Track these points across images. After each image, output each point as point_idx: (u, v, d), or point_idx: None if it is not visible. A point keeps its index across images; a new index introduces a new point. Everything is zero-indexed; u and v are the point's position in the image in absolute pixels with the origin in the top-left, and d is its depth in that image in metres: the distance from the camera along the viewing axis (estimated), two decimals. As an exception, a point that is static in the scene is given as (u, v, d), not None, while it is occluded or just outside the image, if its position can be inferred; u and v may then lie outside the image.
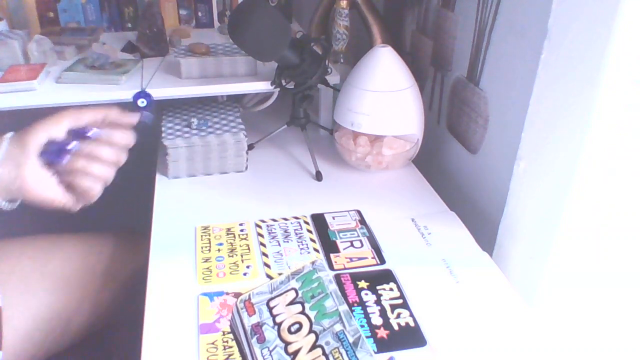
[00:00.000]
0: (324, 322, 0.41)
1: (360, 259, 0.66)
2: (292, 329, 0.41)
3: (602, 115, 0.52)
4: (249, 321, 0.43)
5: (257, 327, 0.42)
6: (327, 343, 0.40)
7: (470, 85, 0.78)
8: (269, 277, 0.61)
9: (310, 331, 0.41)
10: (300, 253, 0.66)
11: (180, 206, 0.77)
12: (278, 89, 0.85)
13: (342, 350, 0.39)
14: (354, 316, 0.40)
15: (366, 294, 0.60)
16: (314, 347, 0.40)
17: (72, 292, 0.75)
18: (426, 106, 0.91)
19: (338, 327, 0.40)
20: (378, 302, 0.59)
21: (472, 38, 0.76)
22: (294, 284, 0.44)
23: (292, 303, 0.43)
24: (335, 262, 0.65)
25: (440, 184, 0.83)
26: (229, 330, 0.47)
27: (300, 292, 0.44)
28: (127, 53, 0.98)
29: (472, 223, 0.72)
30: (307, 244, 0.68)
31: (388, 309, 0.58)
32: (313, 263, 0.45)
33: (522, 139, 0.64)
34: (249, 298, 0.44)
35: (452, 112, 0.85)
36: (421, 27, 0.96)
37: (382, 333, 0.54)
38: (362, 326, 0.55)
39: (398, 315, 0.57)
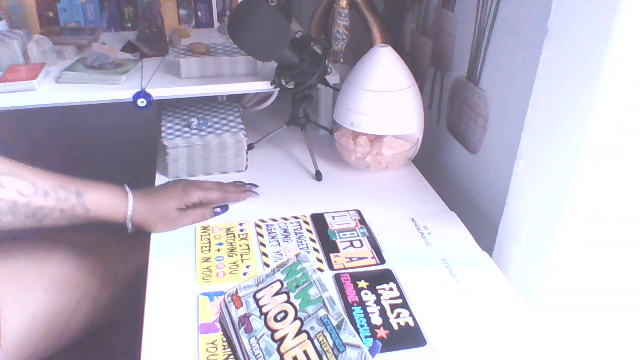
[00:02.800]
0: (308, 309, 0.42)
1: (360, 259, 0.66)
2: (278, 318, 0.43)
3: (602, 115, 0.52)
4: (237, 313, 0.44)
5: (245, 319, 0.43)
6: (312, 328, 0.41)
7: (470, 85, 0.78)
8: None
9: (296, 318, 0.42)
10: (300, 253, 0.66)
11: (180, 206, 0.77)
12: (278, 89, 0.85)
13: (327, 334, 0.40)
14: (337, 303, 0.42)
15: (366, 294, 0.60)
16: (299, 332, 0.41)
17: (71, 292, 0.74)
18: (426, 106, 0.91)
19: (322, 313, 0.42)
20: (378, 302, 0.59)
21: (472, 38, 0.76)
22: (280, 276, 0.45)
23: (278, 294, 0.44)
24: (335, 262, 0.65)
25: (440, 184, 0.83)
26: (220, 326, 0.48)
27: (285, 283, 0.45)
28: (127, 53, 0.98)
29: (472, 223, 0.72)
30: (307, 244, 0.68)
31: (388, 309, 0.58)
32: (297, 255, 0.47)
33: (522, 139, 0.64)
34: (237, 292, 0.45)
35: (452, 112, 0.85)
36: (421, 27, 0.96)
37: (382, 333, 0.54)
38: (362, 326, 0.55)
39: (398, 315, 0.57)
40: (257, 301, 0.44)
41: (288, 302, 0.43)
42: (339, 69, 0.96)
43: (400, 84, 0.80)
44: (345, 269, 0.64)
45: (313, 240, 0.69)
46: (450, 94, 0.85)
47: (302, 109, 0.87)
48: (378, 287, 0.61)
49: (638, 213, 0.59)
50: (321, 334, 0.40)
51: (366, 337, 0.54)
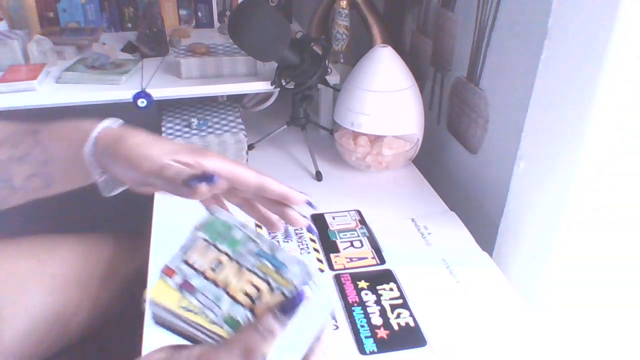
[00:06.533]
0: (239, 249, 0.43)
1: (360, 259, 0.66)
2: (215, 268, 0.43)
3: (602, 115, 0.52)
4: (173, 282, 0.43)
5: (184, 283, 0.43)
6: (250, 263, 0.42)
7: (470, 85, 0.78)
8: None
9: (231, 261, 0.43)
10: (300, 253, 0.66)
11: (181, 206, 0.77)
12: (278, 89, 0.85)
13: (265, 262, 0.41)
14: (265, 234, 0.42)
15: (366, 294, 0.60)
16: (239, 271, 0.42)
17: (71, 292, 0.74)
18: (426, 106, 0.91)
19: (253, 247, 0.42)
20: (378, 302, 0.59)
21: (472, 38, 0.76)
22: (201, 235, 0.45)
23: (205, 249, 0.44)
24: (335, 262, 0.65)
25: (440, 184, 0.83)
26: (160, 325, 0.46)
27: (209, 238, 0.45)
28: (127, 53, 0.98)
29: (472, 223, 0.72)
30: (307, 244, 0.68)
31: (388, 309, 0.58)
32: (208, 209, 0.47)
33: (522, 139, 0.64)
34: (166, 266, 0.45)
35: (452, 112, 0.85)
36: (421, 27, 0.96)
37: (382, 333, 0.54)
38: (362, 326, 0.55)
39: (398, 315, 0.57)
40: (189, 266, 0.44)
41: (218, 252, 0.44)
42: (339, 69, 0.96)
43: (400, 84, 0.80)
44: (345, 269, 0.64)
45: (313, 240, 0.69)
46: (450, 94, 0.85)
47: (302, 109, 0.87)
48: (378, 287, 0.61)
49: (638, 213, 0.59)
50: (259, 263, 0.41)
51: (366, 337, 0.54)
